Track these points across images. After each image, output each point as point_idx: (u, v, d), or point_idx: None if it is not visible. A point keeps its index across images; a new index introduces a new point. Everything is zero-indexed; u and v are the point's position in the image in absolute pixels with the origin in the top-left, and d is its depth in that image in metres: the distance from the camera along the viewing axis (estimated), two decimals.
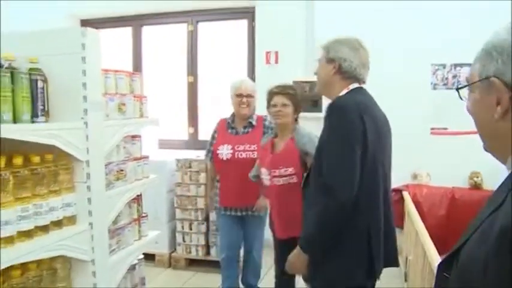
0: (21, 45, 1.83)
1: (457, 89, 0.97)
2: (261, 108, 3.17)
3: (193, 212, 4.27)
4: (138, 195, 2.34)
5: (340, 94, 1.87)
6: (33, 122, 1.64)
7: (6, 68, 1.56)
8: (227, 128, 3.27)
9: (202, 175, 4.25)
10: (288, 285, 2.87)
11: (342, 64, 1.89)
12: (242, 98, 3.17)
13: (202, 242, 4.30)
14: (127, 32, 5.41)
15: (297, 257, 1.87)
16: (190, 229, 4.31)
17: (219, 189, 3.26)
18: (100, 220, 1.91)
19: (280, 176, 2.60)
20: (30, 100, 1.62)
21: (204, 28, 5.20)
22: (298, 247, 1.86)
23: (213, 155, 3.23)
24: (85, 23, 5.35)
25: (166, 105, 5.38)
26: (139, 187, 2.28)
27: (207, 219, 4.30)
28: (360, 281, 1.79)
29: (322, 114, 2.17)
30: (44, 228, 1.67)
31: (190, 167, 4.31)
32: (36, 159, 1.65)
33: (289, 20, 4.61)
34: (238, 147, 3.14)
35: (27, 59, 1.74)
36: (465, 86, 0.94)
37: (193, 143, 5.30)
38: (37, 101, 1.65)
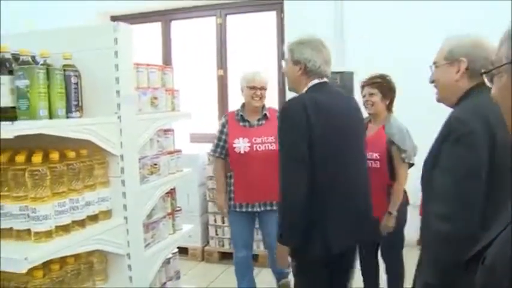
0: (56, 42, 1.84)
1: (482, 74, 0.94)
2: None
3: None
4: (171, 189, 2.34)
5: (304, 90, 2.09)
6: (68, 117, 1.65)
7: (41, 64, 1.56)
8: (239, 121, 3.18)
9: None
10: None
11: (307, 64, 2.07)
12: (256, 90, 3.08)
13: None
14: (156, 27, 5.43)
15: (278, 250, 2.08)
16: (223, 222, 4.31)
17: (233, 185, 3.16)
18: (135, 214, 1.91)
19: (367, 159, 2.55)
20: (64, 96, 1.63)
21: (233, 21, 5.17)
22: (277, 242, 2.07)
23: (227, 150, 3.14)
24: (115, 19, 5.40)
25: (197, 99, 5.39)
26: (172, 181, 2.28)
27: None
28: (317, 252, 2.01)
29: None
30: (81, 223, 1.69)
31: None
32: (71, 154, 1.66)
33: (317, 10, 4.52)
34: (255, 139, 3.06)
35: (61, 55, 1.76)
36: (492, 70, 0.88)
37: None
38: (71, 96, 1.66)
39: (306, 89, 2.09)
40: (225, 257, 4.33)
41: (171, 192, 2.34)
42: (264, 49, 5.09)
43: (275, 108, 3.22)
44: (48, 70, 1.57)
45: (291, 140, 1.96)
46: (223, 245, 4.33)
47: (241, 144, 3.07)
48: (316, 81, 2.09)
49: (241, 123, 3.17)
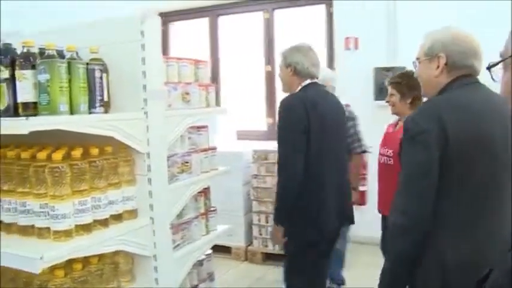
0: (84, 36, 1.80)
1: (488, 68, 0.89)
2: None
3: (270, 204, 4.14)
4: (205, 188, 2.26)
5: (297, 90, 2.32)
6: (90, 113, 1.60)
7: (66, 58, 1.52)
8: None
9: None
10: None
11: (297, 67, 2.33)
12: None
13: None
14: (204, 23, 5.40)
15: (274, 229, 2.35)
16: (267, 222, 4.20)
17: None
18: (162, 214, 1.84)
19: (383, 155, 2.71)
20: (87, 90, 1.58)
21: (280, 15, 5.03)
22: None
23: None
24: (162, 15, 5.43)
25: (244, 96, 5.32)
26: (206, 180, 2.19)
27: None
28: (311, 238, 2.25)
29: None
30: (104, 222, 1.63)
31: (266, 158, 4.19)
32: (94, 151, 1.61)
33: (369, 3, 4.28)
34: None
35: (88, 49, 1.71)
36: (498, 63, 0.85)
37: (272, 133, 5.17)
38: (95, 91, 1.60)
39: (299, 88, 2.33)
40: (268, 257, 4.22)
41: (205, 192, 2.25)
42: (312, 44, 4.90)
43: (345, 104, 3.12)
44: (70, 64, 1.52)
45: (293, 132, 2.19)
46: (266, 246, 4.22)
47: None
48: (309, 81, 2.35)
49: None
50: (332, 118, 2.32)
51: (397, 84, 2.73)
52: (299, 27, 4.97)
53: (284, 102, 2.27)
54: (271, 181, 4.13)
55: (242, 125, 5.28)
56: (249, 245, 4.33)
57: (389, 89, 2.77)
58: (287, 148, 2.22)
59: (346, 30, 4.43)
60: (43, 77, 1.47)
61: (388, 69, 4.17)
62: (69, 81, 1.52)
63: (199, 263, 2.23)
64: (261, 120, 5.30)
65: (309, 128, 2.18)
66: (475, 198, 1.45)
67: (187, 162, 2.05)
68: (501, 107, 1.48)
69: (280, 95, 5.11)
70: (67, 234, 1.50)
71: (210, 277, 2.35)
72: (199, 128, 2.18)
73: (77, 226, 1.54)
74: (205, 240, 2.21)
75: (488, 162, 1.44)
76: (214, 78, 5.30)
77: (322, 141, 2.22)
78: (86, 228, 1.56)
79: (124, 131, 1.66)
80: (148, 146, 1.76)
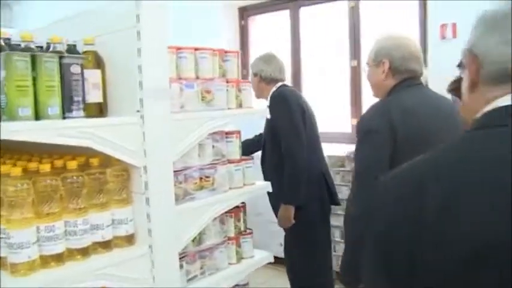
0: (81, 27, 1.52)
1: (459, 66, 0.93)
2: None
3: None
4: (238, 207, 1.87)
5: (270, 93, 2.69)
6: (65, 117, 1.29)
7: (24, 49, 1.23)
8: None
9: None
10: None
11: (261, 74, 2.71)
12: None
13: None
14: (284, 15, 5.00)
15: (283, 210, 2.60)
16: (342, 238, 3.68)
17: None
18: (165, 241, 1.48)
19: None
20: (59, 90, 1.27)
21: (367, 4, 4.43)
22: (282, 204, 2.59)
23: None
24: (242, 10, 5.14)
25: (327, 94, 4.81)
26: (236, 197, 1.80)
27: None
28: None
29: None
30: (83, 252, 1.32)
31: (343, 165, 3.67)
32: (72, 164, 1.30)
33: None
34: None
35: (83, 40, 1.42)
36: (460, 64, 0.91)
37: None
38: (70, 91, 1.30)
39: (273, 90, 2.71)
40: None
41: (236, 211, 1.86)
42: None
43: None
44: (35, 58, 1.23)
45: (295, 120, 2.54)
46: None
47: None
48: (281, 83, 2.75)
49: None
50: (310, 109, 2.84)
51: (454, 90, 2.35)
52: (388, 17, 4.33)
53: (278, 96, 2.68)
54: (347, 192, 3.61)
55: (325, 127, 4.77)
56: None
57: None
58: (293, 135, 2.58)
59: (441, 16, 3.72)
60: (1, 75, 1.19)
61: None
62: (34, 79, 1.23)
63: None
64: (345, 121, 4.74)
65: (304, 116, 2.66)
66: None
67: (208, 177, 1.67)
68: (443, 107, 1.70)
69: (368, 93, 4.59)
70: (27, 267, 1.21)
71: None
72: (228, 133, 1.79)
73: (44, 257, 1.25)
74: (235, 269, 1.82)
75: None
76: (296, 74, 4.89)
77: (311, 124, 2.75)
78: (57, 259, 1.27)
79: (107, 140, 1.32)
80: (145, 158, 1.42)
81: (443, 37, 3.69)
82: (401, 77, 1.68)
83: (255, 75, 2.75)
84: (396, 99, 1.65)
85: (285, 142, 2.55)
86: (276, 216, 2.72)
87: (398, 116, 1.56)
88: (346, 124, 4.72)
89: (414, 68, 1.69)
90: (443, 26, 3.68)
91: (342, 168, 3.66)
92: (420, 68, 1.71)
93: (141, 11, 1.38)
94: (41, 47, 1.43)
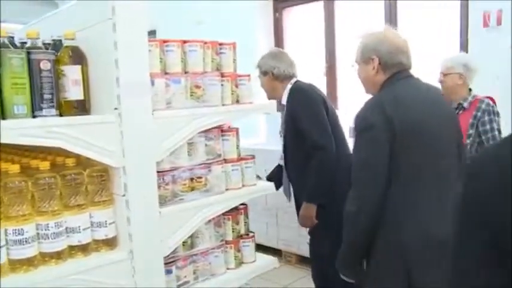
0: (64, 22, 1.47)
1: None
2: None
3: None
4: (238, 209, 1.76)
5: (286, 89, 2.49)
6: (34, 116, 1.24)
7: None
8: None
9: None
10: None
11: (273, 72, 2.49)
12: (440, 75, 2.82)
13: None
14: (319, 7, 4.81)
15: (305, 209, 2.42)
16: None
17: None
18: (148, 246, 1.41)
19: None
20: (27, 87, 1.22)
21: None
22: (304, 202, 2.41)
23: None
24: (277, 2, 5.01)
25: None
26: (233, 199, 1.69)
27: None
28: None
29: None
30: (57, 255, 1.27)
31: None
32: (44, 165, 1.25)
33: None
34: None
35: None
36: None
37: None
38: (39, 88, 1.24)
39: (289, 87, 2.50)
40: None
41: (235, 214, 1.75)
42: (443, 23, 3.94)
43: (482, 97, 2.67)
44: None
45: (321, 113, 2.39)
46: None
47: None
48: (295, 79, 2.54)
49: None
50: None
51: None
52: (428, 7, 4.04)
53: (300, 91, 2.47)
54: None
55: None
56: None
57: None
58: (316, 136, 2.39)
59: (484, 2, 3.42)
60: None
61: None
62: None
63: None
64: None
65: (326, 108, 2.47)
66: (416, 184, 1.57)
67: (200, 178, 1.58)
68: (433, 96, 1.76)
69: None
70: None
71: None
72: (224, 131, 1.69)
73: (13, 261, 1.20)
74: (234, 275, 1.72)
75: (423, 150, 1.59)
76: (331, 68, 4.70)
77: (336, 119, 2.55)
78: (28, 263, 1.22)
79: (81, 140, 1.26)
80: (123, 158, 1.34)
81: (486, 25, 3.38)
82: (391, 71, 1.70)
83: (265, 74, 2.52)
84: (388, 93, 1.66)
85: (310, 136, 2.34)
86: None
87: (393, 108, 1.57)
88: None
89: (402, 61, 1.70)
90: (487, 13, 3.38)
91: None
92: (408, 60, 1.71)
93: (116, 2, 1.31)
94: (24, 43, 1.40)
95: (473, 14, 3.55)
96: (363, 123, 1.62)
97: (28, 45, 1.32)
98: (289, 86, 2.49)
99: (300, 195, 2.53)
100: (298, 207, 2.63)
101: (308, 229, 2.57)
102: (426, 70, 3.91)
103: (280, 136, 2.66)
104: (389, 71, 1.69)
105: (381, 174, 1.55)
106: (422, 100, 1.66)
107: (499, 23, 3.36)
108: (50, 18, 1.57)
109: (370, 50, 1.72)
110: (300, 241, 3.74)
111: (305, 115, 2.37)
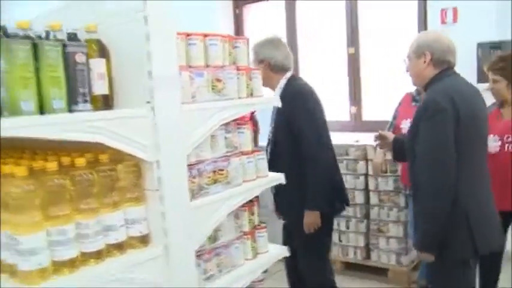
0: (82, 13, 1.41)
1: None
2: None
3: (351, 208, 3.55)
4: (251, 201, 1.78)
5: (280, 84, 2.43)
6: (71, 111, 1.19)
7: (23, 37, 1.12)
8: (411, 101, 3.06)
9: (361, 164, 3.52)
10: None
11: (270, 61, 2.42)
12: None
13: (362, 243, 3.59)
14: (280, 5, 4.89)
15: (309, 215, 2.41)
16: (347, 228, 3.63)
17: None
18: (180, 241, 1.39)
19: (509, 143, 2.57)
20: (64, 81, 1.17)
21: None
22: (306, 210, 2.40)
23: (394, 130, 3.00)
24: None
25: (326, 82, 4.71)
26: (250, 190, 1.71)
27: (367, 216, 3.57)
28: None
29: None
30: (97, 255, 1.23)
31: (347, 154, 3.60)
32: (80, 161, 1.21)
33: None
34: None
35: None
36: None
37: (356, 124, 4.54)
38: (76, 82, 1.19)
39: (283, 81, 2.44)
40: (349, 267, 3.68)
41: (250, 205, 1.77)
42: (401, 20, 4.16)
43: None
44: (37, 46, 1.12)
45: (320, 121, 2.42)
46: (347, 254, 3.66)
47: (407, 125, 2.74)
48: (290, 73, 2.49)
49: (412, 104, 3.02)
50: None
51: (501, 69, 2.51)
52: (387, 7, 4.24)
53: (297, 91, 2.42)
54: (352, 181, 3.55)
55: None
56: None
57: (490, 75, 2.54)
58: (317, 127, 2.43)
59: (441, 2, 3.66)
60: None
61: (496, 46, 3.35)
62: (36, 69, 1.12)
63: None
64: (343, 109, 4.66)
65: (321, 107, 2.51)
66: (469, 166, 1.84)
67: (221, 170, 1.58)
68: (477, 92, 1.98)
69: (367, 81, 4.49)
70: (39, 275, 1.11)
71: None
72: (239, 124, 1.70)
73: (56, 263, 1.15)
74: (251, 266, 1.74)
75: (476, 138, 1.89)
76: (294, 63, 4.79)
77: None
78: (69, 264, 1.17)
79: (118, 134, 1.23)
80: (158, 153, 1.32)
81: (443, 22, 3.62)
82: (441, 67, 1.93)
83: (261, 61, 2.39)
84: (448, 85, 1.89)
85: (309, 145, 2.31)
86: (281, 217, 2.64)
87: (458, 97, 1.80)
88: (345, 113, 4.65)
89: (450, 59, 1.93)
90: (444, 10, 3.61)
91: (346, 157, 3.58)
92: (454, 60, 1.95)
93: None
94: (40, 37, 1.33)
95: (431, 11, 3.78)
96: (436, 106, 1.79)
97: (59, 37, 1.26)
98: (284, 81, 2.42)
99: (288, 201, 2.46)
100: (281, 212, 2.61)
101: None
102: (388, 65, 4.16)
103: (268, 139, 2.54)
104: (439, 67, 1.92)
105: (451, 155, 1.77)
106: (473, 94, 1.92)
107: (455, 20, 3.60)
108: (61, 10, 1.50)
109: (424, 45, 1.93)
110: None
111: (307, 126, 2.32)
